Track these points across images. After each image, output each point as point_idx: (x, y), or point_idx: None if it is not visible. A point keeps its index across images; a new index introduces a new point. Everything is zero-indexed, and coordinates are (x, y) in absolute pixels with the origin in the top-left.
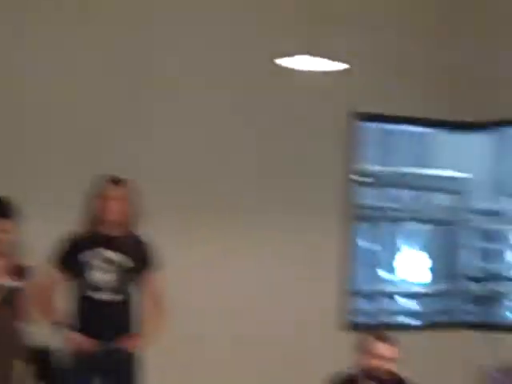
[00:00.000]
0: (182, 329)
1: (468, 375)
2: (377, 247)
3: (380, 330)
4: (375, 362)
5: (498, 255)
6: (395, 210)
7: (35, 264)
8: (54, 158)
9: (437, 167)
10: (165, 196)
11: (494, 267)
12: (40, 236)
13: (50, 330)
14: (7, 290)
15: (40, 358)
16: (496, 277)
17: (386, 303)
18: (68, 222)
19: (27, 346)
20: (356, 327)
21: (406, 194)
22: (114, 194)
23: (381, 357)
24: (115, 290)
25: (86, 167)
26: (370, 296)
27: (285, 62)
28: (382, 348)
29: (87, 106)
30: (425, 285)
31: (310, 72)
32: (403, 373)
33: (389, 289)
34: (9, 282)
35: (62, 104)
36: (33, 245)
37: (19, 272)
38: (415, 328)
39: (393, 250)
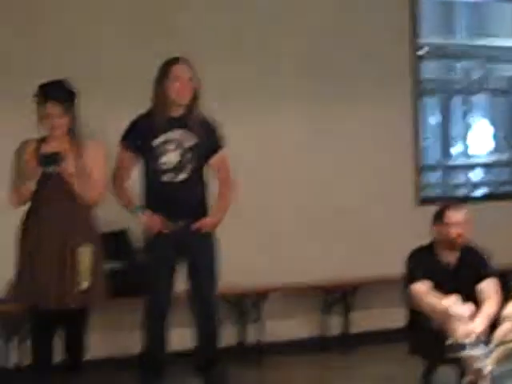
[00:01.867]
0: (253, 202)
1: None
2: (445, 120)
3: (452, 201)
4: (449, 230)
5: None
6: (459, 82)
7: (102, 147)
8: (119, 36)
9: (499, 37)
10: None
11: None
12: (109, 119)
13: (124, 212)
14: (67, 174)
15: (115, 239)
16: None
17: (455, 176)
18: (136, 104)
19: (97, 229)
20: (429, 201)
21: (469, 65)
22: (181, 75)
23: (454, 224)
24: (186, 171)
25: (149, 49)
26: (441, 169)
27: None
28: (455, 216)
29: None
30: (492, 155)
31: None
32: (474, 242)
33: (458, 161)
34: (69, 164)
35: None
36: (102, 128)
37: (80, 154)
38: (483, 199)
39: (460, 123)
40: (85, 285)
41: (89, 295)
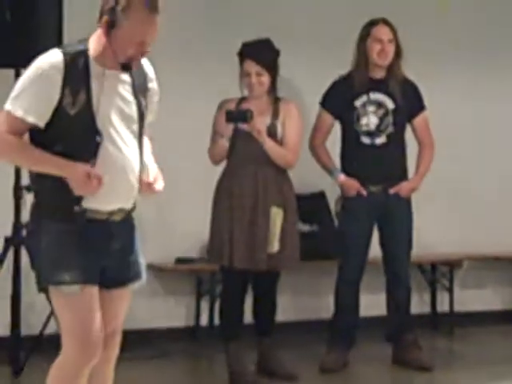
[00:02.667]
0: (453, 170)
1: None
2: None
3: None
4: None
5: None
6: None
7: (299, 108)
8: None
9: None
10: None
11: None
12: (308, 79)
13: (322, 174)
14: (256, 131)
15: (311, 201)
16: None
17: None
18: (337, 64)
19: (291, 191)
20: None
21: None
22: (386, 37)
23: None
24: (387, 134)
25: (356, 10)
26: None
27: None
28: None
29: None
30: None
31: None
32: None
33: None
34: (257, 122)
35: None
36: (301, 88)
37: (276, 114)
38: None
39: None
40: (275, 247)
41: (279, 257)
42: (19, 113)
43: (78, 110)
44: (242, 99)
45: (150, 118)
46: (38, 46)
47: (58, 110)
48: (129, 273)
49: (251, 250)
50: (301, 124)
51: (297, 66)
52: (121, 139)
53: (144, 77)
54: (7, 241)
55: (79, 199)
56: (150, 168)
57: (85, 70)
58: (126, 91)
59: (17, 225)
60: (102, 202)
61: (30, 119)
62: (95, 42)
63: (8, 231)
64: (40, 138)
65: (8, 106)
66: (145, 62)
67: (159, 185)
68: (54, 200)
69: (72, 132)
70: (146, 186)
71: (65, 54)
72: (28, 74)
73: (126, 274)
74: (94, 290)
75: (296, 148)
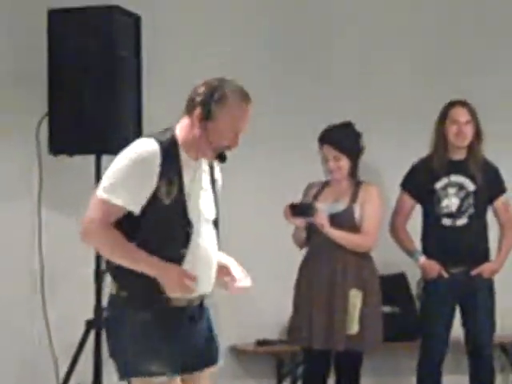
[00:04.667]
0: None
1: None
2: None
3: None
4: None
5: None
6: None
7: (378, 191)
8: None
9: None
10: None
11: None
12: (390, 162)
13: (403, 256)
14: (342, 216)
15: (392, 283)
16: None
17: None
18: (415, 148)
19: (373, 273)
20: None
21: None
22: (463, 118)
23: None
24: (469, 216)
25: (428, 89)
26: None
27: None
28: None
29: None
30: None
31: None
32: None
33: None
34: (335, 206)
35: None
36: (383, 170)
37: (354, 199)
38: None
39: None
40: (354, 329)
41: (359, 339)
42: (118, 201)
43: (172, 199)
44: (326, 183)
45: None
46: (119, 132)
47: (154, 199)
48: (208, 356)
49: (328, 330)
50: (380, 207)
51: (379, 147)
52: (204, 230)
53: (211, 167)
54: (89, 324)
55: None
56: (230, 263)
57: (176, 159)
58: (206, 181)
59: (98, 308)
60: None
61: (131, 207)
62: (184, 132)
63: (89, 314)
64: (128, 225)
65: (103, 194)
66: None
67: (248, 281)
68: (141, 291)
69: (165, 222)
70: (234, 285)
71: (159, 143)
72: (125, 161)
73: (204, 358)
74: (178, 379)
75: (373, 231)
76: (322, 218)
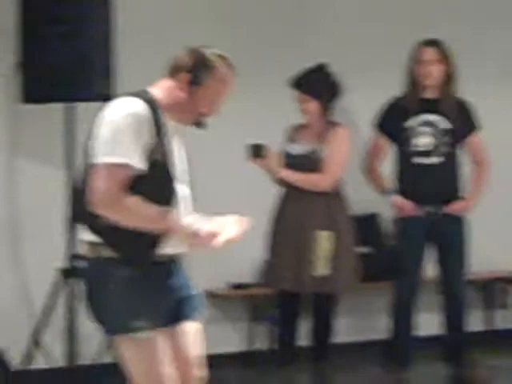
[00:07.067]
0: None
1: None
2: None
3: None
4: None
5: None
6: None
7: (347, 134)
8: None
9: None
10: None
11: None
12: (363, 102)
13: (376, 196)
14: (307, 157)
15: (365, 223)
16: None
17: None
18: (390, 87)
19: (343, 214)
20: None
21: None
22: (430, 57)
23: None
24: (439, 154)
25: (404, 32)
26: None
27: None
28: None
29: None
30: None
31: None
32: None
33: None
34: (304, 147)
35: None
36: (356, 111)
37: (324, 137)
38: None
39: None
40: (322, 271)
41: (329, 281)
42: (126, 160)
43: (162, 156)
44: (301, 125)
45: None
46: (89, 81)
47: (149, 156)
48: (189, 307)
49: (296, 272)
50: (346, 148)
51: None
52: (181, 189)
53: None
54: (64, 272)
55: (154, 245)
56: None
57: (160, 119)
58: (181, 143)
59: (72, 256)
60: (175, 246)
61: (139, 165)
62: (167, 93)
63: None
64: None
65: (108, 158)
66: None
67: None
68: (130, 248)
69: (156, 179)
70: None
71: (147, 102)
72: (121, 122)
73: (186, 309)
74: (163, 332)
75: (333, 171)
76: (272, 164)
